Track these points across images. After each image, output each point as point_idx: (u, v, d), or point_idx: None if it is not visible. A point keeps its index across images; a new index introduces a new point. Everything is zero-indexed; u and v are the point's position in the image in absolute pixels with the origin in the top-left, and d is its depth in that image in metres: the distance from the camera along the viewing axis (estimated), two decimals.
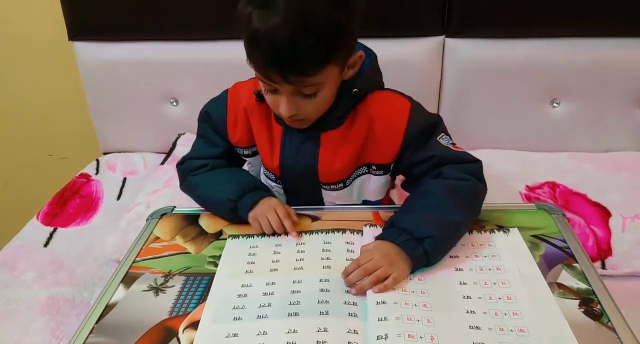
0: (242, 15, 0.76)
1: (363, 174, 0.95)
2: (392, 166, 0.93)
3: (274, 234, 0.90)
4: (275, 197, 0.94)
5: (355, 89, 0.87)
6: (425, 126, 0.89)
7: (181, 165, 1.02)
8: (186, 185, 1.01)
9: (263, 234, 0.91)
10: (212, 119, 0.98)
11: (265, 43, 0.74)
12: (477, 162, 0.90)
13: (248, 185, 0.94)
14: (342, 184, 0.95)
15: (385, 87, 0.94)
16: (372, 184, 0.96)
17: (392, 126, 0.89)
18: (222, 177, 0.97)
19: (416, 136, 0.89)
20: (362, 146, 0.91)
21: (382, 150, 0.91)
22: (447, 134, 0.92)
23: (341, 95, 0.87)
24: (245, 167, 1.04)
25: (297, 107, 0.83)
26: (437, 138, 0.90)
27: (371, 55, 0.91)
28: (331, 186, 0.95)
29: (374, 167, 0.93)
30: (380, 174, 0.94)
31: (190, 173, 0.99)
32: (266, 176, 1.00)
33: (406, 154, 0.90)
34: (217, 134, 0.98)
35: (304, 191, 0.98)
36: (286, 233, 0.90)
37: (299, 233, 0.90)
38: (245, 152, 0.99)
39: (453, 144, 0.92)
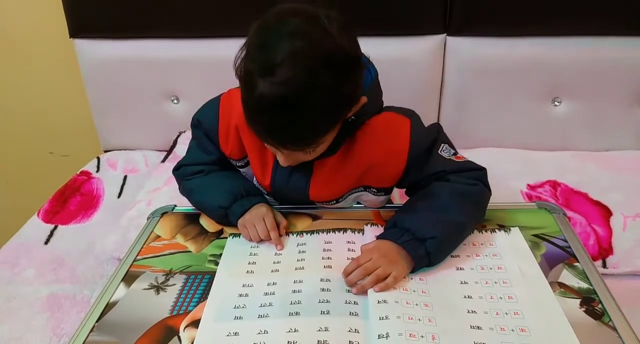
0: (242, 73, 0.72)
1: (359, 191, 0.93)
2: (393, 188, 0.93)
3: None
4: (267, 204, 0.93)
5: (353, 117, 0.81)
6: (427, 144, 0.87)
7: (176, 171, 1.01)
8: (182, 189, 1.01)
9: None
10: (204, 128, 0.96)
11: (264, 116, 0.71)
12: (482, 170, 0.89)
13: (239, 192, 0.93)
14: (334, 202, 0.94)
15: (384, 93, 0.90)
16: (369, 198, 0.94)
17: (394, 152, 0.86)
18: (215, 183, 0.95)
19: (419, 155, 0.86)
20: (359, 172, 0.88)
21: (384, 176, 0.89)
22: (447, 142, 0.90)
23: None
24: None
25: (295, 160, 0.81)
26: (439, 151, 0.87)
27: (372, 73, 0.86)
28: (323, 203, 0.95)
29: (373, 189, 0.91)
30: (381, 195, 0.93)
31: (185, 178, 0.99)
32: (258, 187, 0.99)
33: (409, 173, 0.88)
34: (210, 141, 0.96)
35: (295, 204, 0.97)
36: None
37: (301, 233, 0.91)
38: (238, 164, 0.97)
39: (455, 154, 0.89)
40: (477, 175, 0.88)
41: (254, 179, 0.99)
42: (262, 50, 0.70)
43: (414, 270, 0.78)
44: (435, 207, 0.83)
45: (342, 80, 0.71)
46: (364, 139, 0.86)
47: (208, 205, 0.95)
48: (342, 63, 0.70)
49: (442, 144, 0.88)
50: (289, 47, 0.68)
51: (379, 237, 0.83)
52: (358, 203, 0.99)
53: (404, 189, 0.97)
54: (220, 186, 0.95)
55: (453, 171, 0.86)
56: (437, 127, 0.91)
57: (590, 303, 0.73)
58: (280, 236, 0.90)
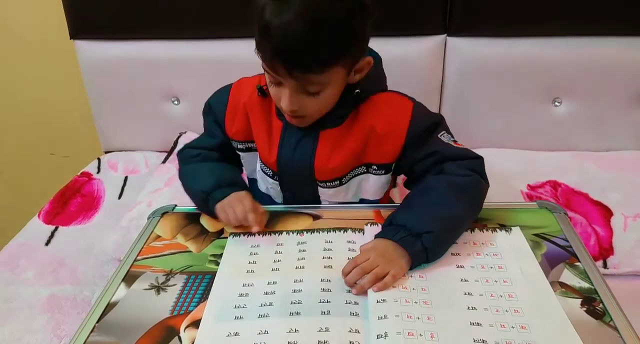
0: (257, 3, 0.76)
1: (361, 173, 0.95)
2: (393, 165, 0.93)
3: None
4: (248, 193, 0.93)
5: (358, 90, 0.88)
6: (427, 124, 0.90)
7: (181, 152, 1.05)
8: (179, 175, 1.02)
9: (264, 233, 0.90)
10: (212, 109, 1.00)
11: (275, 35, 0.74)
12: (479, 159, 0.90)
13: (225, 180, 0.94)
14: (338, 182, 0.95)
15: (388, 88, 0.95)
16: (370, 183, 0.96)
17: (394, 125, 0.89)
18: (205, 169, 0.98)
19: (418, 134, 0.89)
20: (362, 146, 0.91)
21: (384, 150, 0.91)
22: (449, 132, 0.93)
23: (343, 95, 0.87)
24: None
25: (299, 103, 0.83)
26: (439, 135, 0.91)
27: (376, 57, 0.91)
28: (327, 184, 0.95)
29: (374, 167, 0.93)
30: (382, 174, 0.94)
31: (183, 162, 1.02)
32: (263, 172, 1.00)
33: (408, 153, 0.90)
34: (216, 125, 1.00)
35: (299, 187, 0.98)
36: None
37: (301, 232, 0.90)
38: (240, 147, 1.00)
39: (455, 141, 0.92)
40: (473, 165, 0.89)
41: (258, 164, 1.00)
42: None
43: (412, 266, 0.78)
44: (430, 202, 0.83)
45: (353, 14, 0.75)
46: (367, 111, 0.90)
47: (193, 189, 0.96)
48: (354, 1, 0.76)
49: (443, 131, 0.92)
50: None
51: (376, 236, 0.83)
52: (359, 203, 0.99)
53: (406, 188, 0.97)
54: (208, 172, 0.96)
55: (451, 156, 0.88)
56: (440, 116, 0.94)
57: (591, 302, 0.73)
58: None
